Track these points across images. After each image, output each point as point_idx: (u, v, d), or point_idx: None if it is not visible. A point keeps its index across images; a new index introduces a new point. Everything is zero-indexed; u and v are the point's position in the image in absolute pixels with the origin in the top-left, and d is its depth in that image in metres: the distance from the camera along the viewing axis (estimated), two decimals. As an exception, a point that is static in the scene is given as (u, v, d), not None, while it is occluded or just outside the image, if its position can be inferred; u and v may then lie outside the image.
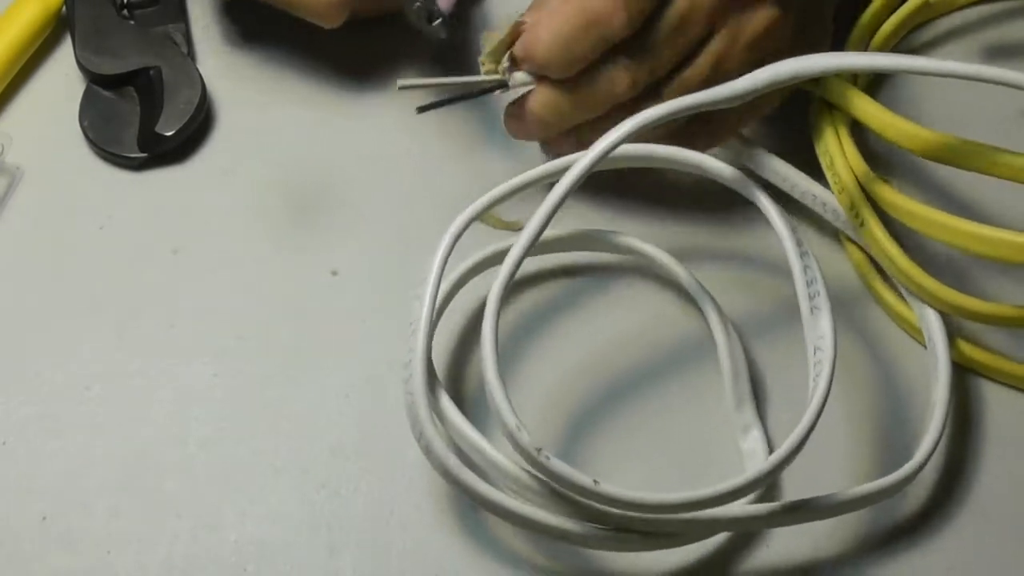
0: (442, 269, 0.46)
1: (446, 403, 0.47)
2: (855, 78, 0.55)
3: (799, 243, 0.47)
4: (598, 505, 0.44)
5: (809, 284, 0.47)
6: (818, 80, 0.53)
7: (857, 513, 0.48)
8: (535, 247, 0.49)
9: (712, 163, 0.50)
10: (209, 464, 0.49)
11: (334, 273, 0.54)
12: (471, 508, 0.49)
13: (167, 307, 0.53)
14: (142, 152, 0.56)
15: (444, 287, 0.49)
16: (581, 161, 0.46)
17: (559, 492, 0.44)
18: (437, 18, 0.53)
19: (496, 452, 0.45)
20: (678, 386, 0.52)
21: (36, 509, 0.48)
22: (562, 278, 0.54)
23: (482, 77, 0.52)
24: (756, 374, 0.52)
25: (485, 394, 0.44)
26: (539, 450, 0.43)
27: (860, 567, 0.48)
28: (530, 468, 0.44)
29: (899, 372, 0.53)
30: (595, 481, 0.43)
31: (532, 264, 0.54)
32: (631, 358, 0.52)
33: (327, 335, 0.52)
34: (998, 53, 0.60)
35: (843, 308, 0.53)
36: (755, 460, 0.49)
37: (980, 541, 0.49)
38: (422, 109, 0.51)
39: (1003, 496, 0.50)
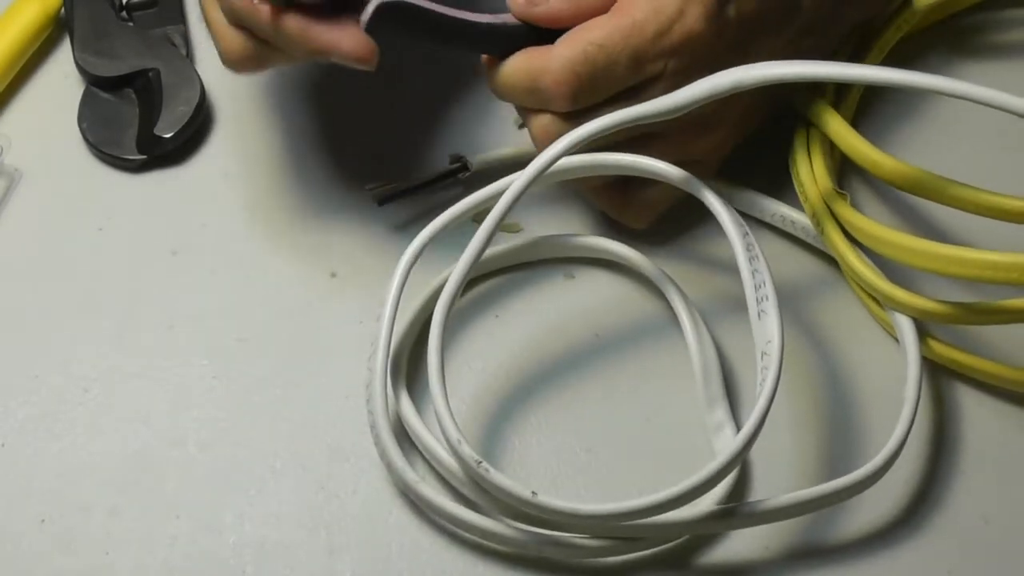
0: (397, 298, 0.48)
1: (406, 406, 0.49)
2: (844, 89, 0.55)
3: (749, 247, 0.46)
4: (539, 515, 0.44)
5: (758, 288, 0.46)
6: (800, 96, 0.54)
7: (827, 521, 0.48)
8: (503, 260, 0.53)
9: (661, 167, 0.49)
10: (208, 465, 0.49)
11: (333, 275, 0.54)
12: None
13: (166, 308, 0.53)
14: (141, 154, 0.56)
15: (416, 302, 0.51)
16: (520, 179, 0.47)
17: (502, 501, 0.45)
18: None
19: (451, 458, 0.46)
20: (651, 384, 0.51)
21: (35, 511, 0.48)
22: (534, 277, 0.54)
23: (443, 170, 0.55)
24: (727, 372, 0.51)
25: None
26: (479, 462, 0.44)
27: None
28: (475, 479, 0.45)
29: (873, 373, 0.51)
30: (533, 493, 0.43)
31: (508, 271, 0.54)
32: (600, 354, 0.52)
33: (326, 337, 0.52)
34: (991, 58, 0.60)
35: (816, 308, 0.53)
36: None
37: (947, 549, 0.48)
38: (382, 201, 0.54)
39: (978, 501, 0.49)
